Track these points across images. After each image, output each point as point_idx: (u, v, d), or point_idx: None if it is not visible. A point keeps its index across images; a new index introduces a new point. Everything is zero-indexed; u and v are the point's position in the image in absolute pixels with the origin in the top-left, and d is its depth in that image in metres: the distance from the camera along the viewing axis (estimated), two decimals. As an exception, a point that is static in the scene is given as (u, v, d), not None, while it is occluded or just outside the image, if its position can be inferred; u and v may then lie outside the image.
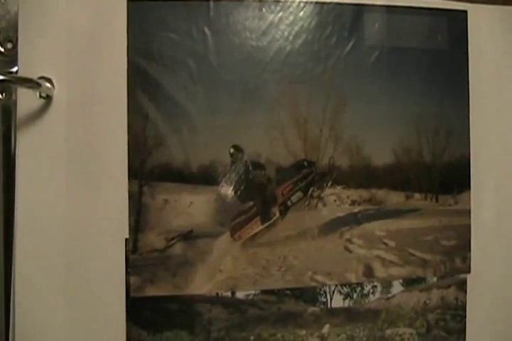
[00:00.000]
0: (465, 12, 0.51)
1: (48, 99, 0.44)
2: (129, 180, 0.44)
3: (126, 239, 0.44)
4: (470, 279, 0.51)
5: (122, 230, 0.44)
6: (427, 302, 0.50)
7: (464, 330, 0.51)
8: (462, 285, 0.51)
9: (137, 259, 0.44)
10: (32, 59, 0.44)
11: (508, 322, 0.52)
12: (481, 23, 0.52)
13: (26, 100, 0.44)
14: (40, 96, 0.44)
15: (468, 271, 0.51)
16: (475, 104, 0.51)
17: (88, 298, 0.43)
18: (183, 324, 0.45)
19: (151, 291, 0.44)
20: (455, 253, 0.50)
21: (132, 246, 0.44)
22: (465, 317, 0.51)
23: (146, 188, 0.44)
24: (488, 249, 0.51)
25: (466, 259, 0.51)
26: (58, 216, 0.43)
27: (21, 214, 0.42)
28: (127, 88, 0.45)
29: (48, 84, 0.44)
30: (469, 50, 0.52)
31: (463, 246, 0.51)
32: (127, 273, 0.43)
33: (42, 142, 0.43)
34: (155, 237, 0.44)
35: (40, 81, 0.43)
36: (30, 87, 0.43)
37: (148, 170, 0.44)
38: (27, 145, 0.43)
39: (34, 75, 0.43)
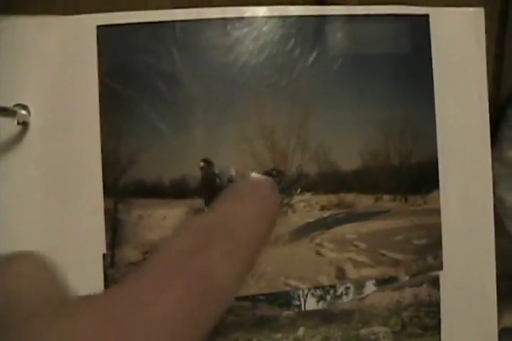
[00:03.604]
0: (427, 16, 0.53)
1: (25, 125, 0.46)
2: (104, 197, 0.46)
3: (103, 254, 0.46)
4: (442, 276, 0.53)
5: (99, 246, 0.46)
6: (401, 300, 0.52)
7: (438, 326, 0.53)
8: (435, 283, 0.52)
9: (115, 273, 0.46)
10: (7, 88, 0.46)
11: (481, 316, 0.54)
12: (444, 25, 0.53)
13: (4, 127, 0.46)
14: (18, 123, 0.46)
15: (441, 268, 0.52)
16: (440, 106, 0.53)
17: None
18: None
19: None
20: (426, 251, 0.52)
21: (110, 261, 0.46)
22: (439, 313, 0.53)
23: (121, 205, 0.46)
24: (458, 246, 0.53)
25: (438, 257, 0.52)
26: (37, 235, 0.45)
27: (1, 234, 0.45)
28: (100, 110, 0.47)
29: (24, 111, 0.46)
30: (433, 53, 0.53)
31: (434, 245, 0.52)
32: (106, 287, 0.46)
33: (21, 165, 0.46)
34: (131, 251, 0.46)
35: (16, 108, 0.46)
36: (6, 115, 0.45)
37: (123, 188, 0.46)
38: (6, 169, 0.45)
39: (10, 103, 0.45)
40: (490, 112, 0.56)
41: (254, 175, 0.50)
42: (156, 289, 0.19)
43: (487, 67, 0.56)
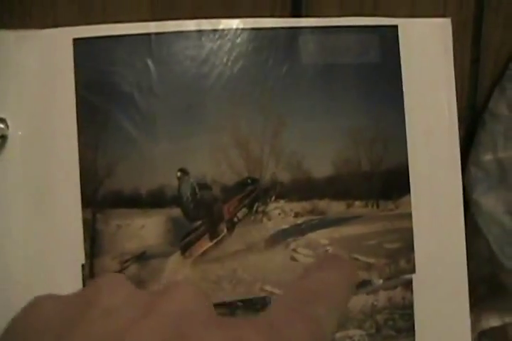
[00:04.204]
0: (395, 27, 0.54)
1: (3, 138, 0.47)
2: (82, 208, 0.47)
3: (82, 265, 0.47)
4: (415, 279, 0.54)
5: (78, 256, 0.47)
6: (375, 303, 0.53)
7: (412, 328, 0.54)
8: (408, 285, 0.54)
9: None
10: (-15, 101, 0.47)
11: (454, 318, 0.55)
12: (412, 36, 0.55)
13: (-17, 141, 0.47)
14: (-4, 137, 0.47)
15: (413, 271, 0.54)
16: (410, 114, 0.54)
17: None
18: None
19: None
20: (399, 255, 0.53)
21: (89, 271, 0.47)
22: (413, 315, 0.54)
23: (100, 215, 0.47)
24: (430, 249, 0.54)
25: (410, 260, 0.54)
26: (16, 245, 0.46)
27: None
28: (77, 122, 0.48)
29: (2, 125, 0.47)
30: (402, 63, 0.54)
31: (406, 248, 0.53)
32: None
33: None
34: (110, 261, 0.47)
35: (-5, 122, 0.46)
36: (-15, 129, 0.46)
37: (101, 198, 0.47)
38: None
39: (-12, 117, 0.46)
40: (467, 117, 0.58)
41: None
42: (288, 324, 0.24)
43: (463, 72, 0.58)
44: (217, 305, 0.50)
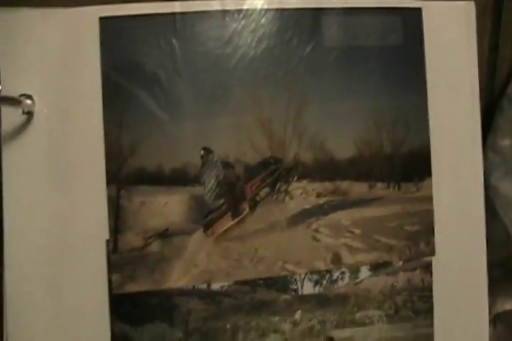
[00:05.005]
0: (419, 9, 0.54)
1: (30, 114, 0.47)
2: (107, 185, 0.47)
3: (106, 240, 0.47)
4: (435, 261, 0.54)
5: (103, 232, 0.47)
6: (394, 285, 0.54)
7: (431, 310, 0.54)
8: (427, 268, 0.54)
9: (118, 259, 0.47)
10: (12, 78, 0.48)
11: (472, 300, 0.56)
12: (435, 19, 0.55)
13: (10, 117, 0.47)
14: (23, 113, 0.47)
15: (433, 253, 0.54)
16: (432, 96, 0.54)
17: (73, 297, 0.47)
18: (162, 316, 0.49)
19: (131, 287, 0.47)
20: (419, 237, 0.53)
21: (113, 247, 0.47)
22: (432, 297, 0.54)
23: (124, 192, 0.48)
24: (450, 232, 0.54)
25: (430, 243, 0.54)
26: (42, 222, 0.47)
27: (8, 221, 0.46)
28: (102, 100, 0.48)
29: (29, 101, 0.47)
30: (425, 45, 0.54)
31: (426, 231, 0.54)
32: (109, 272, 0.47)
33: (25, 154, 0.47)
34: (133, 237, 0.48)
35: (22, 98, 0.47)
36: (12, 105, 0.46)
37: (125, 175, 0.48)
38: (11, 158, 0.47)
39: (16, 93, 0.47)
40: (485, 102, 0.58)
41: None
42: None
43: (482, 59, 0.58)
44: (238, 283, 0.50)
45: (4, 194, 0.47)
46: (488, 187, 0.56)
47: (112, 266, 0.47)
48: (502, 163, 0.57)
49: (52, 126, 0.47)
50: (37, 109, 0.47)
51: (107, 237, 0.47)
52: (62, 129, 0.48)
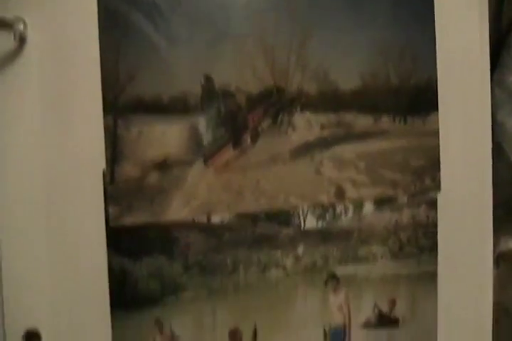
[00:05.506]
0: None
1: (22, 40, 0.44)
2: (104, 114, 0.45)
3: (103, 171, 0.45)
4: (440, 197, 0.53)
5: (99, 163, 0.45)
6: (399, 221, 0.52)
7: (435, 247, 0.53)
8: (433, 204, 0.53)
9: (115, 190, 0.45)
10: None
11: (477, 237, 0.54)
12: None
13: (1, 43, 0.44)
14: (15, 38, 0.44)
15: (439, 189, 0.52)
16: (441, 29, 0.52)
17: (69, 230, 0.45)
18: (161, 250, 0.47)
19: (129, 219, 0.45)
20: (425, 172, 0.52)
21: (109, 177, 0.45)
22: (436, 234, 0.53)
23: (121, 121, 0.46)
24: (456, 168, 0.53)
25: (436, 178, 0.52)
26: (36, 150, 0.44)
27: (1, 151, 0.44)
28: (98, 25, 0.45)
29: (21, 25, 0.44)
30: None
31: (432, 166, 0.52)
32: (106, 204, 0.45)
33: (18, 82, 0.45)
34: (131, 168, 0.46)
35: (13, 21, 0.44)
36: (4, 29, 0.43)
37: (122, 104, 0.46)
38: (3, 86, 0.44)
39: (7, 15, 0.44)
40: (491, 39, 0.56)
41: None
42: None
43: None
44: (239, 217, 0.49)
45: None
46: (494, 124, 0.55)
47: (108, 198, 0.45)
48: (509, 100, 0.56)
49: (45, 53, 0.45)
50: (29, 35, 0.45)
51: (104, 167, 0.45)
52: (56, 56, 0.45)
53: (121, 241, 0.46)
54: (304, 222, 0.50)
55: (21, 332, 0.46)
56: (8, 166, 0.45)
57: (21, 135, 0.45)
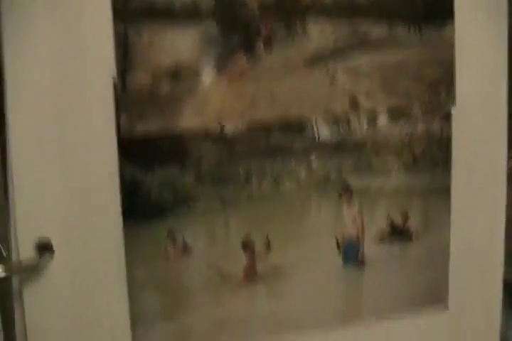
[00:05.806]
0: None
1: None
2: (113, 21, 0.44)
3: (113, 78, 0.44)
4: (455, 112, 0.52)
5: (109, 70, 0.44)
6: (413, 133, 0.51)
7: (449, 161, 0.53)
8: (447, 118, 0.52)
9: (126, 97, 0.44)
10: None
11: (491, 153, 0.54)
12: None
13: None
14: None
15: (454, 103, 0.51)
16: None
17: (81, 139, 0.45)
18: (174, 161, 0.46)
19: (141, 128, 0.45)
20: (440, 85, 0.51)
21: (121, 85, 0.44)
22: (450, 148, 0.52)
23: (132, 29, 0.44)
24: (472, 82, 0.52)
25: (451, 92, 0.51)
26: (46, 62, 0.44)
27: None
28: None
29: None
30: None
31: (448, 80, 0.51)
32: (117, 112, 0.44)
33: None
34: (142, 75, 0.45)
35: None
36: None
37: (133, 11, 0.44)
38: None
39: None
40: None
41: None
42: None
43: None
44: (252, 127, 0.48)
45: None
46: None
47: (120, 106, 0.44)
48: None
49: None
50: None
51: (114, 75, 0.44)
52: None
53: (133, 151, 0.46)
54: (318, 133, 0.49)
55: (33, 242, 0.45)
56: (19, 76, 0.44)
57: (32, 45, 0.44)
